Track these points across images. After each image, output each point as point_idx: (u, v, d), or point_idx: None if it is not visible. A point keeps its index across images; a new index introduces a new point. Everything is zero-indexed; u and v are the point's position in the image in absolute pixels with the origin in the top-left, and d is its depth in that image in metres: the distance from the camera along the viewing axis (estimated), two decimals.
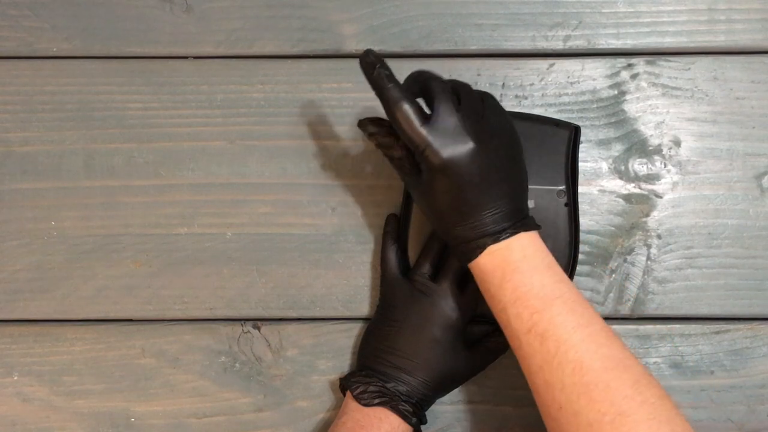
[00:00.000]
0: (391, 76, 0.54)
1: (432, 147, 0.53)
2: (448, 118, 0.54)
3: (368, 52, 0.55)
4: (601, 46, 0.68)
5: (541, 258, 0.55)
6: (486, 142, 0.54)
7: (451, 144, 0.53)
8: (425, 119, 0.54)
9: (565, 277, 0.55)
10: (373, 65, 0.54)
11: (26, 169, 0.69)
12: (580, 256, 0.65)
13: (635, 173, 0.67)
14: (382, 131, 0.58)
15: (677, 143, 0.67)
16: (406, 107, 0.53)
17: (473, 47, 0.69)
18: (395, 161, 0.58)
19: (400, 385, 0.60)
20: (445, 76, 0.65)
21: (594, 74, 0.68)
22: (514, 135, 0.58)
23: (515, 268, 0.54)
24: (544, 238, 0.57)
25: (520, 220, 0.56)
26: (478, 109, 0.56)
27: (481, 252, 0.55)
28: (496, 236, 0.55)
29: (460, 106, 0.55)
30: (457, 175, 0.54)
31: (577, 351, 0.52)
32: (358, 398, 0.60)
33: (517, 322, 0.54)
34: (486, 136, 0.55)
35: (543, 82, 0.68)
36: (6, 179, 0.69)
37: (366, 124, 0.59)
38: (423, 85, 0.56)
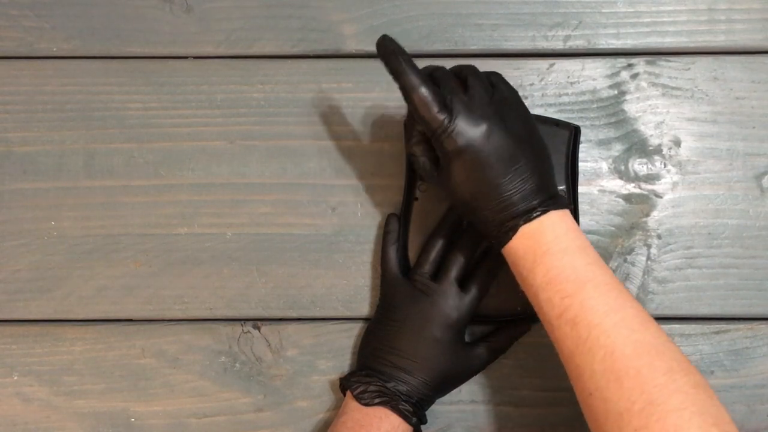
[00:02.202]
0: (409, 61, 0.54)
1: (448, 131, 0.53)
2: (457, 103, 0.53)
3: (385, 38, 0.54)
4: (601, 46, 0.68)
5: (572, 238, 0.54)
6: (498, 121, 0.54)
7: (464, 127, 0.53)
8: (443, 104, 0.53)
9: (598, 258, 0.54)
10: (391, 52, 0.54)
11: (26, 169, 0.69)
12: None
13: (635, 173, 0.67)
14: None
15: (677, 143, 0.67)
16: (424, 91, 0.53)
17: (473, 47, 0.69)
18: (416, 159, 0.58)
19: (400, 384, 0.60)
20: None
21: (594, 74, 0.68)
22: (525, 112, 0.57)
23: (546, 251, 0.53)
24: None
25: (550, 198, 0.55)
26: (486, 89, 0.56)
27: (513, 234, 0.54)
28: (527, 215, 0.54)
29: (468, 88, 0.55)
30: (475, 158, 0.53)
31: (609, 336, 0.50)
32: (358, 398, 0.60)
33: (548, 307, 0.53)
34: (497, 114, 0.54)
35: (543, 82, 0.68)
36: (6, 179, 0.69)
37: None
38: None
